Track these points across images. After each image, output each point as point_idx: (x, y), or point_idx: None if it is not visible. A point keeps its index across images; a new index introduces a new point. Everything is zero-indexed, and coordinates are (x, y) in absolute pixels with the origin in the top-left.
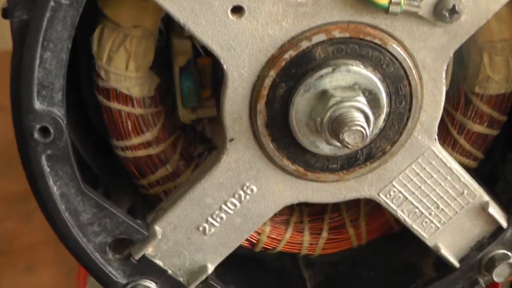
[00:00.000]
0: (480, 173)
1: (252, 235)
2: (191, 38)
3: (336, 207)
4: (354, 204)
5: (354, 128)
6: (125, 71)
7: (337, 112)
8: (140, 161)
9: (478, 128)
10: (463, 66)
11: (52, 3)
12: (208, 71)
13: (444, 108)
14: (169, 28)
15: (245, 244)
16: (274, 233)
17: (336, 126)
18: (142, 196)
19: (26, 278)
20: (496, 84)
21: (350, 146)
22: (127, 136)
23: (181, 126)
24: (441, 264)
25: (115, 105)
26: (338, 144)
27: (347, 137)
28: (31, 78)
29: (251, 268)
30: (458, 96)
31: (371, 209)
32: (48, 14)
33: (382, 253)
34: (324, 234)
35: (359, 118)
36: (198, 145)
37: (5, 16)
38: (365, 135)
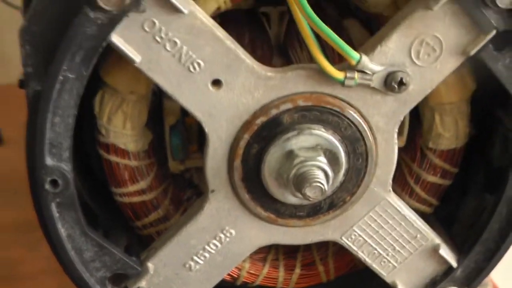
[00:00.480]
0: (438, 217)
1: (233, 271)
2: None
3: (307, 246)
4: (323, 244)
5: (314, 184)
6: (122, 129)
7: (300, 170)
8: (135, 206)
9: (432, 178)
10: (419, 123)
11: (61, 77)
12: (194, 129)
13: (403, 160)
14: (162, 91)
15: (228, 278)
16: (253, 269)
17: (299, 182)
18: (137, 236)
19: None
20: (447, 140)
21: (310, 199)
22: (124, 184)
23: (172, 175)
24: None
25: (114, 158)
26: (303, 198)
27: (308, 191)
28: (43, 139)
29: None
30: (415, 150)
31: (338, 249)
32: (57, 86)
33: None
34: (297, 270)
35: (319, 175)
36: (187, 190)
37: (21, 86)
38: (323, 190)
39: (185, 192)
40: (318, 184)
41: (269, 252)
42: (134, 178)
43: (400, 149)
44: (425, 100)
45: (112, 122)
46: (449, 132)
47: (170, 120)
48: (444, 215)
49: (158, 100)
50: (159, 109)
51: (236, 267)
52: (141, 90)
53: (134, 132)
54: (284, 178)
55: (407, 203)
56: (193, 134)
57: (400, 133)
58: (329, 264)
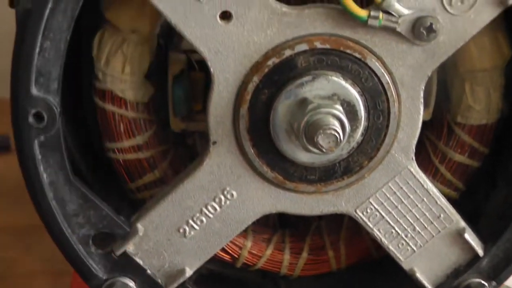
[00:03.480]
0: (464, 211)
1: (233, 249)
2: (187, 52)
3: (318, 230)
4: (335, 228)
5: (329, 132)
6: (121, 73)
7: (314, 117)
8: (130, 164)
9: (459, 157)
10: (446, 96)
11: None
12: (200, 85)
13: (427, 138)
14: (168, 44)
15: (227, 258)
16: (255, 249)
17: (312, 130)
18: (129, 201)
19: None
20: (478, 114)
21: (324, 150)
22: (119, 138)
23: (173, 142)
24: None
25: (109, 107)
26: (315, 149)
27: (321, 140)
28: (30, 65)
29: None
30: (441, 126)
31: (352, 233)
32: (50, 5)
33: (361, 284)
34: (304, 254)
35: (334, 123)
36: (189, 161)
37: (11, 5)
38: (339, 139)
39: (186, 164)
40: (333, 132)
41: (274, 234)
42: (130, 132)
43: (424, 126)
44: (455, 67)
45: (110, 65)
46: (480, 105)
47: (174, 69)
48: (471, 210)
49: (163, 53)
50: (164, 62)
51: (237, 245)
52: (144, 28)
53: (133, 78)
54: (295, 128)
55: None
56: (198, 91)
57: (425, 104)
58: (340, 249)
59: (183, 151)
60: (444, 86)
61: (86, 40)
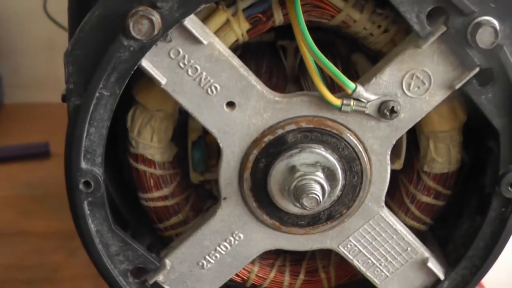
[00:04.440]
0: (437, 236)
1: (243, 273)
2: None
3: (312, 255)
4: (327, 254)
5: (311, 195)
6: (150, 142)
7: (300, 182)
8: (159, 210)
9: (426, 199)
10: (417, 148)
11: (97, 94)
12: (214, 146)
13: (401, 181)
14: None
15: (238, 280)
16: (261, 273)
17: (298, 193)
18: (159, 237)
19: None
20: (440, 165)
21: (307, 209)
22: (150, 190)
23: (194, 186)
24: None
25: (141, 167)
26: (301, 207)
27: (305, 202)
28: (80, 146)
29: None
30: (412, 172)
31: (340, 259)
32: (94, 101)
33: None
34: (301, 276)
35: (316, 188)
36: (208, 201)
37: (63, 100)
38: (319, 201)
39: (205, 203)
40: (314, 196)
41: (277, 259)
42: (159, 185)
43: (399, 171)
44: (421, 127)
45: (141, 135)
46: (442, 158)
47: (193, 136)
48: (442, 235)
49: (184, 118)
50: (184, 126)
51: (246, 270)
52: (167, 108)
53: (160, 145)
54: (286, 189)
55: (403, 221)
56: (213, 150)
57: (398, 156)
58: (330, 272)
59: (203, 193)
60: (416, 140)
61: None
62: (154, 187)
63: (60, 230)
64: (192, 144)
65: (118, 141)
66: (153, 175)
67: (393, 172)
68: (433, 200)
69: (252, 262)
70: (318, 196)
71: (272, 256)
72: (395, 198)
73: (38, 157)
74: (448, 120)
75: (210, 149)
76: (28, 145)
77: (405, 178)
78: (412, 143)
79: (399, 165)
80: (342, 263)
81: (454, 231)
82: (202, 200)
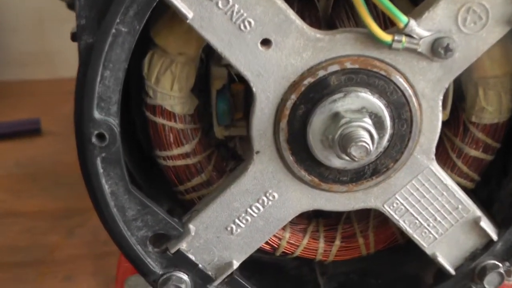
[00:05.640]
0: (479, 197)
1: (273, 240)
2: (227, 66)
3: (348, 219)
4: (365, 217)
5: (360, 144)
6: (170, 91)
7: (346, 130)
8: (179, 170)
9: (474, 153)
10: (462, 98)
11: (113, 30)
12: (240, 96)
13: (446, 135)
14: (209, 58)
15: (267, 248)
16: (293, 239)
17: (345, 142)
18: (179, 202)
19: (65, 286)
20: (490, 114)
21: (356, 159)
22: (169, 147)
23: (216, 144)
24: (440, 275)
25: (160, 120)
26: (347, 158)
27: (354, 151)
28: (93, 92)
29: (272, 274)
30: (458, 124)
31: (379, 222)
32: (110, 39)
33: (389, 265)
34: (337, 242)
35: (365, 136)
36: (230, 161)
37: (73, 39)
38: (369, 150)
39: (228, 163)
40: (364, 144)
41: (309, 224)
42: (179, 141)
43: (443, 124)
44: (469, 74)
45: (160, 83)
46: (492, 106)
47: (217, 84)
48: (485, 196)
49: (205, 68)
50: (206, 77)
51: (276, 237)
52: (190, 51)
53: (181, 94)
54: (329, 139)
55: None
56: (239, 101)
57: (443, 106)
58: (369, 237)
59: (225, 153)
60: (460, 89)
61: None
62: (174, 143)
63: (54, 210)
64: (216, 94)
65: (129, 93)
66: (173, 129)
67: None
68: (482, 154)
69: (283, 228)
70: (368, 145)
71: (304, 221)
72: (439, 154)
73: (29, 134)
74: (500, 64)
75: (236, 100)
76: (18, 122)
77: (450, 131)
78: (457, 92)
79: (445, 115)
80: (382, 226)
81: (499, 191)
82: (225, 161)
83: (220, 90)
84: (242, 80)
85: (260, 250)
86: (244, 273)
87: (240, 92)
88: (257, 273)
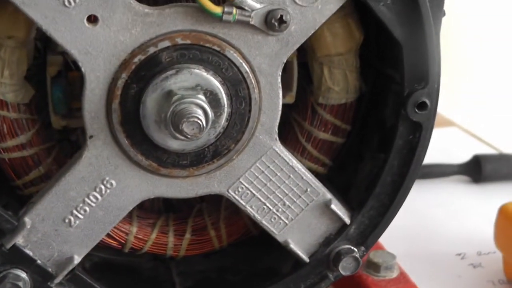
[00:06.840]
0: (336, 186)
1: (120, 235)
2: (63, 54)
3: (199, 212)
4: (215, 210)
5: (192, 119)
6: (0, 77)
7: (178, 107)
8: (15, 162)
9: (323, 135)
10: (310, 81)
11: None
12: (78, 83)
13: (294, 119)
14: (46, 47)
15: (115, 244)
16: (141, 234)
17: (177, 120)
18: (18, 197)
19: None
20: (337, 94)
21: (189, 137)
22: (3, 138)
23: (59, 139)
24: (296, 264)
25: None
26: (181, 137)
27: (186, 128)
28: None
29: (125, 275)
30: (306, 108)
31: (230, 213)
32: None
33: (248, 261)
34: (187, 236)
35: (198, 112)
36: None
37: None
38: (202, 126)
39: (71, 158)
40: (196, 120)
41: (158, 218)
42: (14, 132)
43: (291, 108)
44: (313, 53)
45: None
46: (338, 86)
47: (52, 71)
48: (343, 183)
49: (43, 58)
50: (44, 66)
51: (123, 232)
52: (19, 34)
53: (13, 81)
54: (162, 118)
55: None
56: (76, 89)
57: (289, 88)
58: (220, 228)
59: (68, 147)
60: (307, 70)
61: None
62: (8, 134)
63: None
64: (52, 81)
65: None
66: (6, 119)
67: (284, 108)
68: (331, 136)
69: (130, 222)
70: (201, 121)
71: (153, 216)
72: (288, 139)
73: None
74: (343, 40)
75: (73, 88)
76: None
77: (299, 115)
78: (304, 78)
79: (291, 98)
80: (233, 217)
81: (355, 176)
82: (68, 155)
83: (56, 77)
84: (79, 68)
85: (110, 250)
86: (95, 274)
87: (77, 80)
88: (108, 275)
